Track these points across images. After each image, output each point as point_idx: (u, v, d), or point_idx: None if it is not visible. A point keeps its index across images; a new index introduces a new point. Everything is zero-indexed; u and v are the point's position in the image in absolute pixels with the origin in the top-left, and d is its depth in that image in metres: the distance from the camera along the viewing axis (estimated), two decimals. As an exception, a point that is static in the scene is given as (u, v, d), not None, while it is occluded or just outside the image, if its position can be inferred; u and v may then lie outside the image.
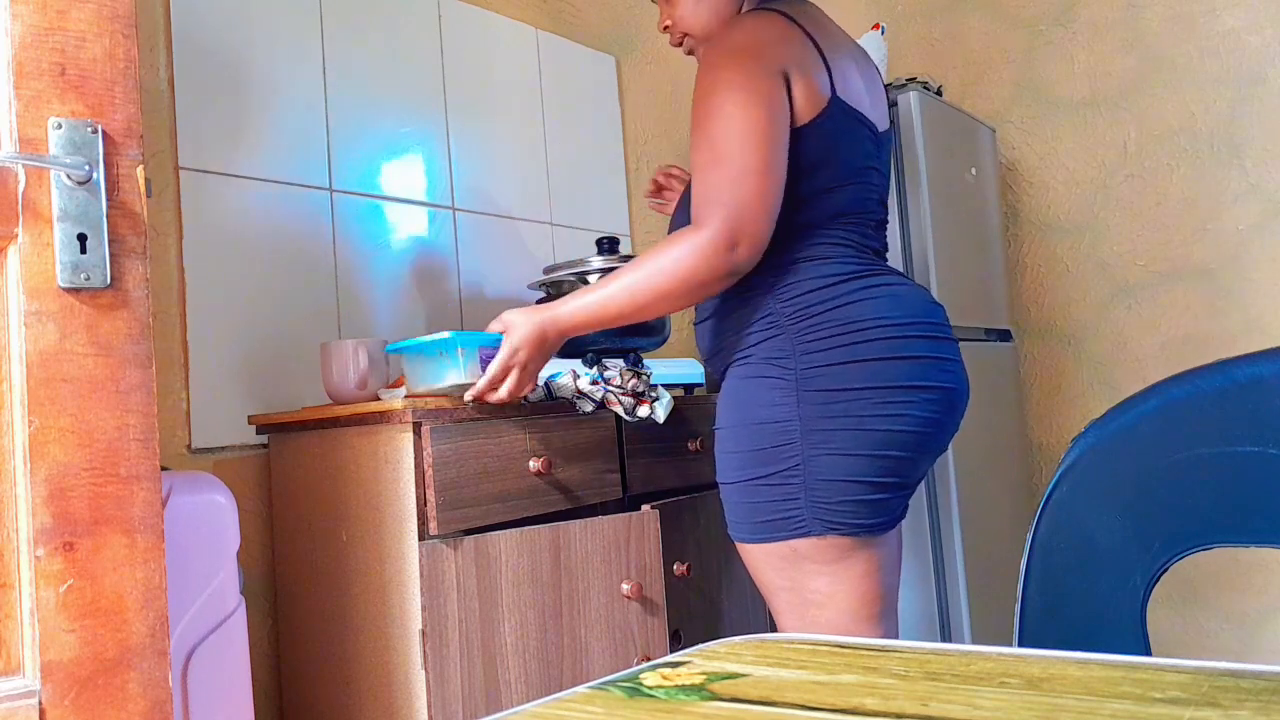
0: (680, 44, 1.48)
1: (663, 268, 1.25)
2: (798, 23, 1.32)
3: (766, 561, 1.30)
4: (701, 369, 2.13)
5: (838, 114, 1.31)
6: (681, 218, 1.39)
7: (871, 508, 1.25)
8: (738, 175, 1.22)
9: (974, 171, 2.74)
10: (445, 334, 1.38)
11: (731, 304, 1.35)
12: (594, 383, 1.64)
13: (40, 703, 0.85)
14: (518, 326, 1.32)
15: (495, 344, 1.35)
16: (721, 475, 1.35)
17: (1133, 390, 0.73)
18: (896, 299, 1.30)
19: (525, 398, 1.56)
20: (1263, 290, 2.68)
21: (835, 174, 1.31)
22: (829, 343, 1.26)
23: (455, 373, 1.38)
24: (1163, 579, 0.64)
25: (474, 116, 2.20)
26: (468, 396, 1.39)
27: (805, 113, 1.28)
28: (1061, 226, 3.01)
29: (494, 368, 1.33)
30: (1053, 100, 3.01)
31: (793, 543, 1.26)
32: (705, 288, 1.25)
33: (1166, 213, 2.83)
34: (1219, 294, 2.74)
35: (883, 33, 2.66)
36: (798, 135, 1.28)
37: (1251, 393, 0.62)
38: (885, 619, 1.30)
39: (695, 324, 1.47)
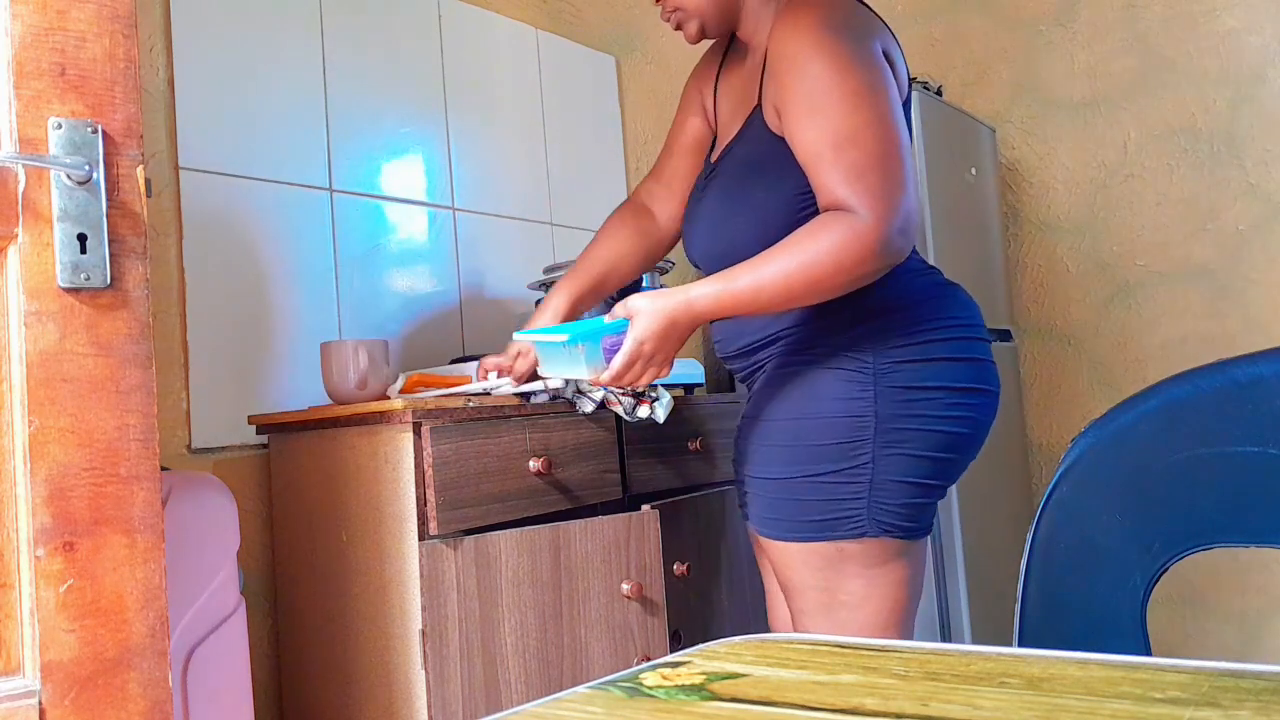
0: (670, 17, 1.35)
1: (821, 256, 1.12)
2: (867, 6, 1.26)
3: (804, 560, 1.25)
4: (701, 369, 2.13)
5: (908, 103, 1.28)
6: (718, 242, 1.30)
7: (920, 510, 1.23)
8: (884, 155, 1.13)
9: (974, 171, 2.74)
10: (563, 337, 1.26)
11: None
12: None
13: (40, 703, 0.85)
14: (642, 314, 1.19)
15: (620, 331, 1.22)
16: (763, 469, 1.28)
17: (1133, 390, 0.73)
18: (958, 299, 1.28)
19: (525, 397, 1.55)
20: (1263, 290, 2.68)
21: None
22: (907, 339, 1.22)
23: (578, 367, 1.26)
24: (1163, 579, 0.64)
25: (474, 116, 2.20)
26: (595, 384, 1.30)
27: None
28: (1061, 226, 3.01)
29: (618, 362, 1.20)
30: (1053, 100, 3.01)
31: (841, 543, 1.22)
32: (865, 279, 1.15)
33: (1166, 213, 2.83)
34: (1219, 294, 2.74)
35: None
36: None
37: (1251, 393, 0.62)
38: (908, 625, 1.28)
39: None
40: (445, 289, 2.08)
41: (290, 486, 1.62)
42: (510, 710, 0.45)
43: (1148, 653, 0.63)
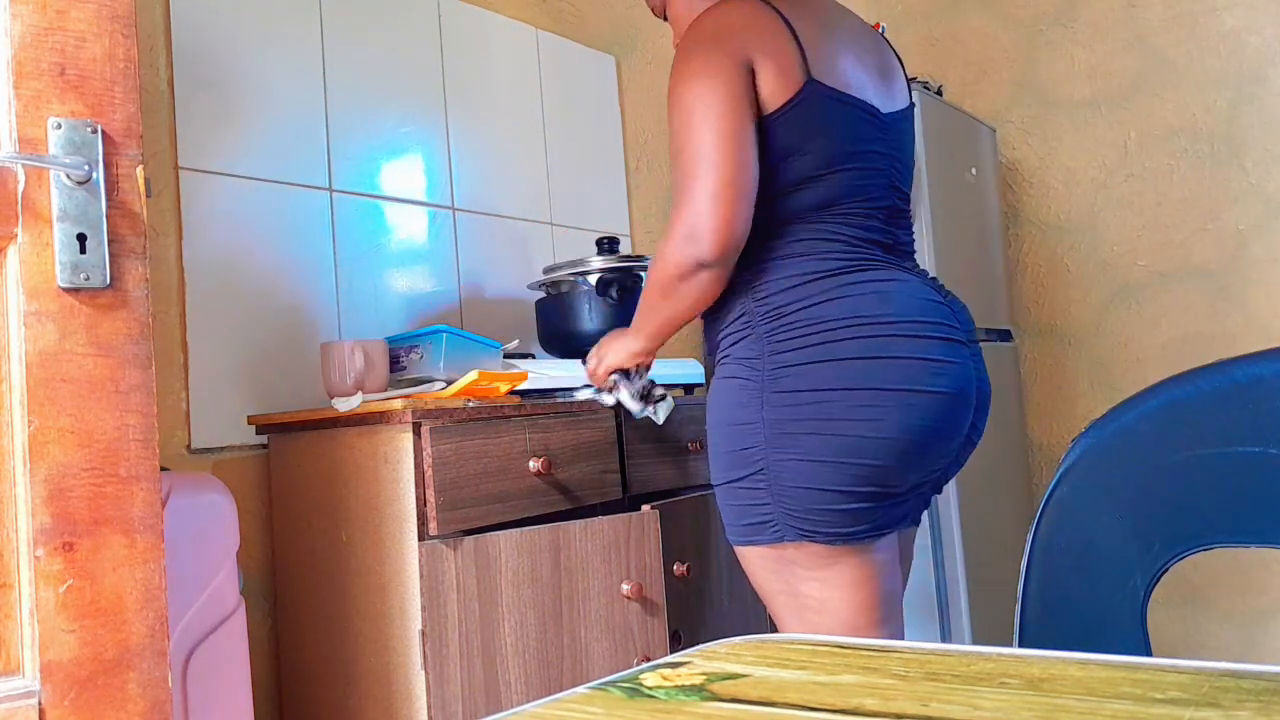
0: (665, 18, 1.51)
1: (652, 275, 1.27)
2: (773, 6, 1.26)
3: (761, 564, 1.27)
4: (701, 369, 2.13)
5: (814, 97, 1.23)
6: None
7: (849, 516, 1.18)
8: (693, 168, 1.20)
9: (974, 171, 2.74)
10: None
11: (715, 304, 1.31)
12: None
13: (40, 703, 0.85)
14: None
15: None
16: (710, 476, 1.34)
17: (1133, 390, 0.73)
18: (883, 296, 1.21)
19: (525, 397, 1.55)
20: (1263, 290, 2.68)
21: (817, 161, 1.23)
22: (798, 342, 1.20)
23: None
24: (1163, 579, 0.64)
25: (474, 116, 2.20)
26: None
27: (774, 99, 1.22)
28: (1061, 226, 3.01)
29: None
30: (1053, 100, 3.01)
31: (776, 548, 1.23)
32: (679, 284, 1.24)
33: (1166, 213, 2.83)
34: (1219, 294, 2.74)
35: (883, 32, 2.66)
36: (768, 125, 1.22)
37: (1251, 393, 0.62)
38: (887, 624, 1.26)
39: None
40: (445, 289, 2.08)
41: (290, 487, 1.62)
42: (510, 710, 0.45)
43: (1148, 653, 0.63)
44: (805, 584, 1.23)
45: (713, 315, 1.34)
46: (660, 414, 1.64)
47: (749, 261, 1.25)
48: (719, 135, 1.19)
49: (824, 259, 1.24)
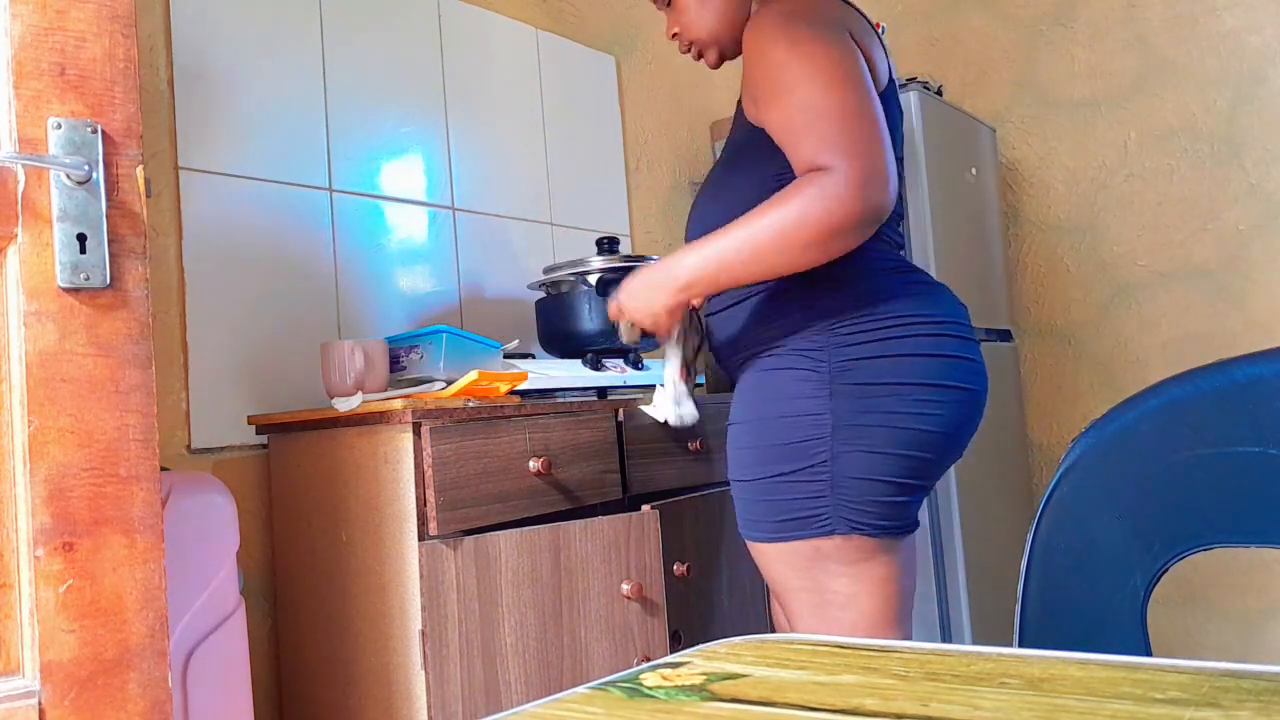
0: (689, 50, 1.44)
1: (789, 212, 1.12)
2: (849, 2, 1.27)
3: (785, 561, 1.25)
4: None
5: (891, 99, 1.26)
6: (698, 226, 1.32)
7: (895, 509, 1.21)
8: (850, 119, 1.12)
9: (974, 171, 2.74)
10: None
11: (757, 292, 1.28)
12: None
13: (40, 703, 0.85)
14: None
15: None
16: (735, 473, 1.30)
17: (1133, 390, 0.73)
18: (932, 296, 1.26)
19: (525, 397, 1.55)
20: (1263, 290, 2.68)
21: None
22: (864, 336, 1.21)
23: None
24: (1163, 579, 0.64)
25: (474, 116, 2.20)
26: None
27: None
28: (1061, 226, 3.01)
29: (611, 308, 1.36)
30: (1053, 100, 3.01)
31: (815, 542, 1.22)
32: (841, 237, 1.12)
33: (1166, 213, 2.83)
34: (1219, 294, 2.74)
35: (883, 32, 2.66)
36: None
37: (1251, 393, 0.62)
38: (905, 622, 1.27)
39: (708, 315, 1.40)
40: (445, 289, 2.08)
41: (290, 486, 1.62)
42: (510, 710, 0.45)
43: (1148, 653, 0.63)
44: (835, 579, 1.23)
45: (752, 304, 1.29)
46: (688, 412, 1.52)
47: None
48: (867, 94, 1.15)
49: (878, 255, 1.26)
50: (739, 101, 1.34)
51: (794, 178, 1.16)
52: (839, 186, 1.10)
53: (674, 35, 1.44)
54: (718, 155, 1.46)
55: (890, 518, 1.21)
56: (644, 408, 1.53)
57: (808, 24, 1.19)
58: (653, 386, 1.72)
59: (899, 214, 1.35)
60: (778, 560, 1.26)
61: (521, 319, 2.18)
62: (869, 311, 1.22)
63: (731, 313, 1.33)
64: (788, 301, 1.25)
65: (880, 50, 1.31)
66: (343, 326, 1.85)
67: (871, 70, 1.23)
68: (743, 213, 1.18)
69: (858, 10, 1.30)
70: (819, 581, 1.24)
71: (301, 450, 1.59)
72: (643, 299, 1.29)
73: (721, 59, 1.43)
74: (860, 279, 1.24)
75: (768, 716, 0.41)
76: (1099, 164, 2.94)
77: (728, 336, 1.36)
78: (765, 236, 1.13)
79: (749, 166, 1.29)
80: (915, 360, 1.20)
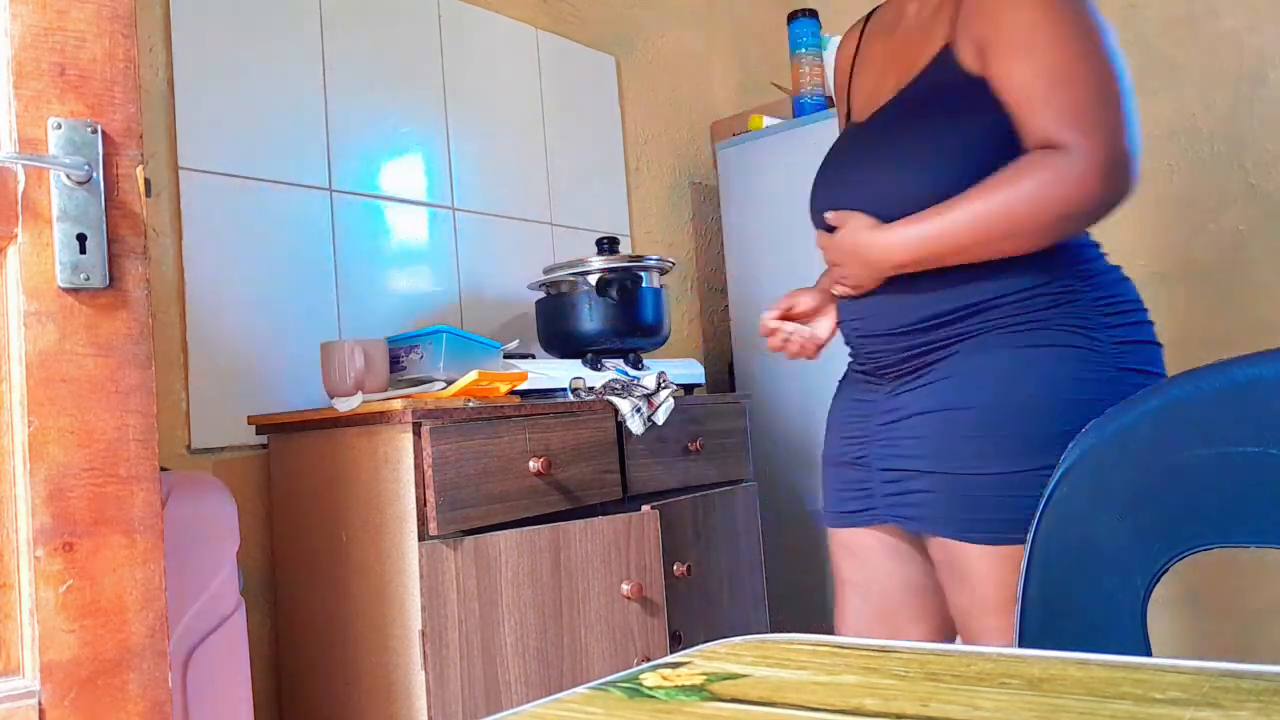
0: None
1: (1023, 193, 1.03)
2: None
3: (1009, 568, 1.04)
4: (701, 369, 2.13)
5: None
6: (937, 179, 1.11)
7: None
8: (1102, 94, 1.04)
9: (974, 171, 2.73)
10: None
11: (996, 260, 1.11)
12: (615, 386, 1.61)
13: (40, 703, 0.85)
14: (845, 228, 1.17)
15: None
16: (974, 465, 1.08)
17: (1133, 390, 0.73)
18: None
19: (525, 397, 1.55)
20: (1263, 290, 2.68)
21: None
22: (1125, 319, 1.10)
23: None
24: (1163, 579, 0.64)
25: (474, 116, 2.20)
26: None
27: None
28: (1061, 226, 3.00)
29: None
30: (1053, 100, 3.01)
31: None
32: (1078, 222, 1.06)
33: (1166, 213, 2.83)
34: (1219, 294, 2.74)
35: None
36: None
37: (1251, 393, 0.62)
38: None
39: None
40: (445, 289, 2.08)
41: (290, 487, 1.62)
42: (510, 710, 0.45)
43: (1148, 653, 0.63)
44: None
45: (972, 272, 1.11)
46: (661, 415, 1.58)
47: None
48: (1119, 67, 1.10)
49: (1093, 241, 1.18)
50: (945, 44, 1.16)
51: (1012, 135, 1.07)
52: (1080, 169, 1.02)
53: None
54: (855, 108, 1.31)
55: None
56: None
57: None
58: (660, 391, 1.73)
59: None
60: (1000, 564, 1.06)
61: (521, 319, 2.18)
62: (1119, 292, 1.12)
63: (930, 279, 1.12)
64: (1035, 273, 1.09)
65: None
66: (343, 326, 1.86)
67: None
68: (958, 170, 1.08)
69: None
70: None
71: (301, 450, 1.59)
72: (852, 276, 1.17)
73: None
74: (1100, 260, 1.14)
75: (768, 716, 0.41)
76: (1099, 164, 2.93)
77: (915, 308, 1.14)
78: (997, 220, 1.04)
79: (970, 119, 1.12)
80: (1153, 348, 1.12)
